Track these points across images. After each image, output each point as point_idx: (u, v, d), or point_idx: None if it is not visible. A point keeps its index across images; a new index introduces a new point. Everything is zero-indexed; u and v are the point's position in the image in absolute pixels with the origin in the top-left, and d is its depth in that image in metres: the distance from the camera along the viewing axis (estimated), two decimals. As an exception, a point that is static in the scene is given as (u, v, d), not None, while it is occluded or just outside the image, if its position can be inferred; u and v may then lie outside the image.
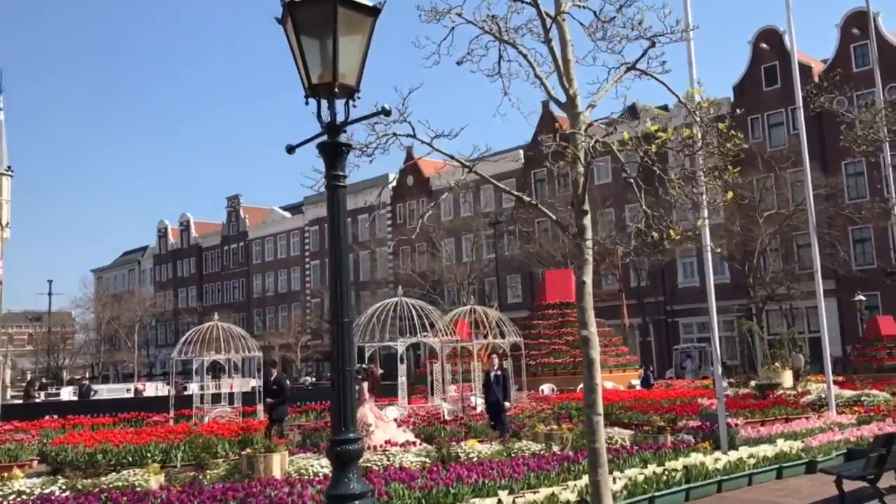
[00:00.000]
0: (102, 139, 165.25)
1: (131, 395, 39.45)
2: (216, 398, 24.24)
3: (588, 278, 8.40)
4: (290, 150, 5.46)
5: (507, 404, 16.34)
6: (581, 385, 30.71)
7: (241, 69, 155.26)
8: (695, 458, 10.82)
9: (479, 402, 21.30)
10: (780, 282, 40.90)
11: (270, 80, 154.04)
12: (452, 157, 8.06)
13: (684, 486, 10.42)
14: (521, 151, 60.19)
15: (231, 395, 23.47)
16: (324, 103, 5.25)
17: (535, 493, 8.94)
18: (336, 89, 5.09)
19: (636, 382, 30.90)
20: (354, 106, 5.31)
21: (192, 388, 23.57)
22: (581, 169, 8.31)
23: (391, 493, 9.26)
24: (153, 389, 41.41)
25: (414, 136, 7.88)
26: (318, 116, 5.23)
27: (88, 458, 15.48)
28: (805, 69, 41.99)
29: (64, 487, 10.77)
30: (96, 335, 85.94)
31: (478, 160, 8.08)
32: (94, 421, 22.86)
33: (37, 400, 42.12)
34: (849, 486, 9.87)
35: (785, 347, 25.30)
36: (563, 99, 8.53)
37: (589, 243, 8.45)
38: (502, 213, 49.95)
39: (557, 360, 31.55)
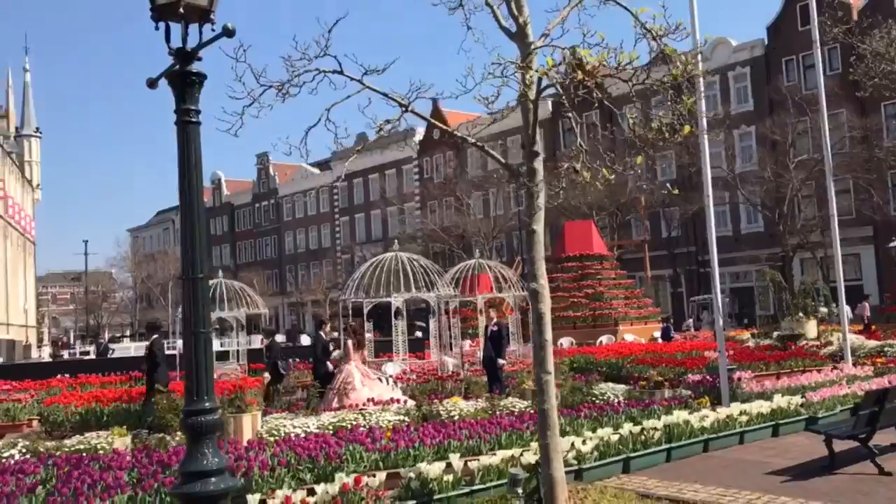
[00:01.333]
0: (132, 96, 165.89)
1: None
2: (224, 356, 24.07)
3: (539, 227, 7.69)
4: (151, 83, 4.83)
5: (500, 361, 15.74)
6: (600, 338, 30.00)
7: (269, 22, 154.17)
8: (677, 415, 10.14)
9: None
10: (811, 229, 39.48)
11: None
12: (386, 95, 7.37)
13: (665, 447, 9.78)
14: (549, 101, 58.80)
15: (237, 352, 23.26)
16: (177, 28, 4.60)
17: (492, 455, 8.35)
18: (182, 9, 4.43)
19: (658, 335, 30.13)
20: (213, 30, 4.65)
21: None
22: (530, 105, 7.50)
23: (345, 455, 8.77)
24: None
25: (341, 73, 7.23)
26: (167, 42, 4.58)
27: (80, 419, 15.35)
28: (844, 7, 40.04)
29: (24, 451, 10.50)
30: (132, 294, 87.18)
31: (415, 99, 7.35)
32: (103, 379, 22.83)
33: (65, 358, 43.01)
34: (843, 445, 9.17)
35: (810, 297, 24.25)
36: (513, 28, 7.74)
37: (541, 186, 7.69)
38: (523, 164, 48.82)
39: (576, 314, 30.89)
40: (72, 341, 65.40)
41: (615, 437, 9.39)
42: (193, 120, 4.55)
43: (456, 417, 11.71)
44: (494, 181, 55.08)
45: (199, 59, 4.60)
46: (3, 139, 56.31)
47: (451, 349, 21.44)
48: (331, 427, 11.41)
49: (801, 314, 24.26)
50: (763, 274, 29.56)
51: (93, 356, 36.70)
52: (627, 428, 9.62)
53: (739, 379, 13.82)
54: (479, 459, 8.20)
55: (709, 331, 33.24)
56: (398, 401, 13.25)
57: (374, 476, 7.50)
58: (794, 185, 38.67)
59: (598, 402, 12.78)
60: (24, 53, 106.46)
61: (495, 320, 16.25)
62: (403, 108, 7.33)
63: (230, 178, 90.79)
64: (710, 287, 47.19)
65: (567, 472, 8.72)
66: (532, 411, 11.99)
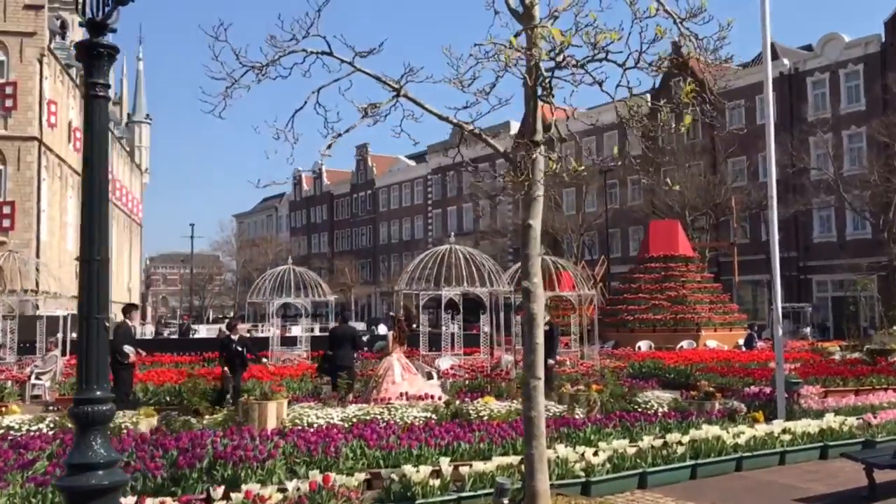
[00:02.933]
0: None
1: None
2: (292, 342, 24.33)
3: (535, 221, 7.21)
4: (78, 56, 4.65)
5: (550, 361, 15.19)
6: (681, 343, 28.94)
7: (377, 21, 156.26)
8: (706, 430, 9.44)
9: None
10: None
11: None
12: (378, 79, 7.04)
13: (689, 463, 9.11)
14: (648, 96, 57.20)
15: (302, 338, 23.46)
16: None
17: (486, 462, 7.93)
18: (92, -22, 4.22)
19: (742, 342, 28.76)
20: (132, 0, 4.42)
21: (272, 330, 23.62)
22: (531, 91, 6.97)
23: (343, 451, 8.51)
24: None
25: (331, 54, 6.94)
26: (82, 13, 4.38)
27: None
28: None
29: (52, 425, 10.73)
30: (235, 277, 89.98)
31: (406, 82, 6.97)
32: (175, 359, 23.43)
33: (164, 336, 44.77)
34: (887, 475, 8.32)
35: (906, 310, 22.63)
36: (520, 9, 7.24)
37: (539, 179, 7.17)
38: (613, 160, 47.52)
39: (657, 317, 29.84)
40: (178, 320, 67.97)
41: (632, 450, 8.80)
42: (101, 94, 4.34)
43: (485, 417, 11.33)
44: (585, 177, 53.83)
45: (113, 30, 4.38)
46: (113, 125, 58.88)
47: (504, 345, 20.98)
48: (354, 419, 11.22)
49: (894, 328, 22.64)
50: (856, 283, 27.76)
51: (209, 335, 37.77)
52: (648, 440, 9.00)
53: (798, 394, 12.86)
54: (471, 465, 7.77)
55: (788, 339, 31.66)
56: (432, 397, 12.92)
57: (351, 476, 7.20)
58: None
59: (640, 410, 12.16)
60: (137, 42, 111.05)
61: (547, 319, 15.67)
62: (395, 92, 6.98)
63: (331, 167, 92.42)
64: (810, 295, 44.89)
65: (572, 485, 8.27)
66: (566, 416, 11.49)
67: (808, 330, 37.20)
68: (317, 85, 6.95)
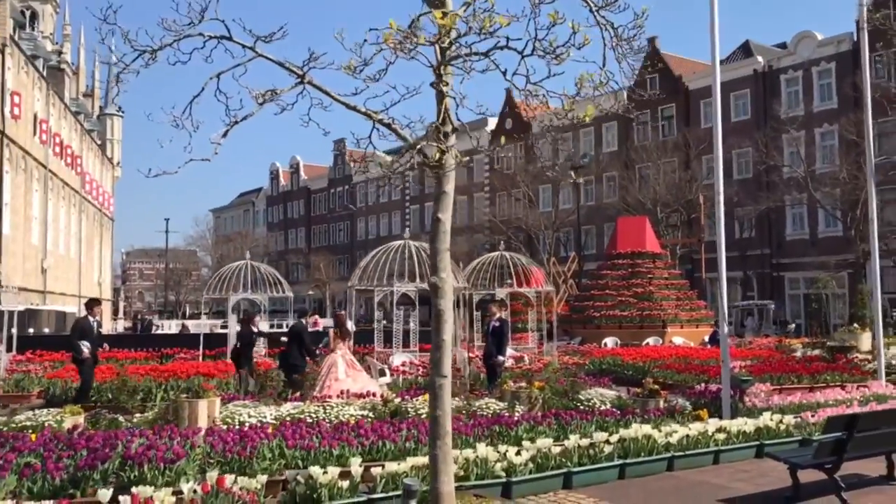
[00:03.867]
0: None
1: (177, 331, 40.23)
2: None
3: (443, 215, 6.93)
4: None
5: (500, 358, 14.99)
6: (647, 340, 28.86)
7: (364, 19, 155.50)
8: (635, 429, 9.25)
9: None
10: (887, 235, 37.05)
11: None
12: (281, 64, 6.77)
13: (617, 462, 8.93)
14: (624, 93, 57.09)
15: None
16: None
17: (399, 462, 7.70)
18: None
19: (708, 339, 28.69)
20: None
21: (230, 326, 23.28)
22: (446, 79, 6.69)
23: (258, 452, 8.25)
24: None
25: (230, 39, 6.67)
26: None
27: (78, 392, 15.38)
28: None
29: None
30: (210, 273, 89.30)
31: (309, 69, 6.70)
32: (129, 355, 23.04)
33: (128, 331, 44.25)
34: (811, 475, 8.17)
35: (867, 307, 22.55)
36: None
37: (450, 172, 6.92)
38: (585, 156, 47.50)
39: (623, 313, 29.72)
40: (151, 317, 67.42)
41: (558, 449, 8.60)
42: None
43: (423, 416, 11.10)
44: (558, 173, 53.88)
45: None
46: (84, 118, 58.17)
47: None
48: (288, 418, 10.96)
49: (855, 325, 22.63)
50: (818, 281, 27.78)
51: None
52: (574, 439, 8.81)
53: (744, 392, 12.74)
54: (384, 465, 7.54)
55: (752, 336, 31.75)
56: (373, 394, 12.68)
57: (253, 478, 6.94)
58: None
59: (582, 408, 11.99)
60: (110, 33, 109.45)
61: (497, 315, 15.48)
62: (299, 79, 6.72)
63: (308, 162, 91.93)
64: (783, 292, 44.95)
65: (492, 486, 8.06)
66: (506, 414, 11.28)
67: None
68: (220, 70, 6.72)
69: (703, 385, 13.99)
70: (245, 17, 6.73)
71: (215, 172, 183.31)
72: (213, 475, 6.72)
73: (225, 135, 6.50)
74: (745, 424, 10.33)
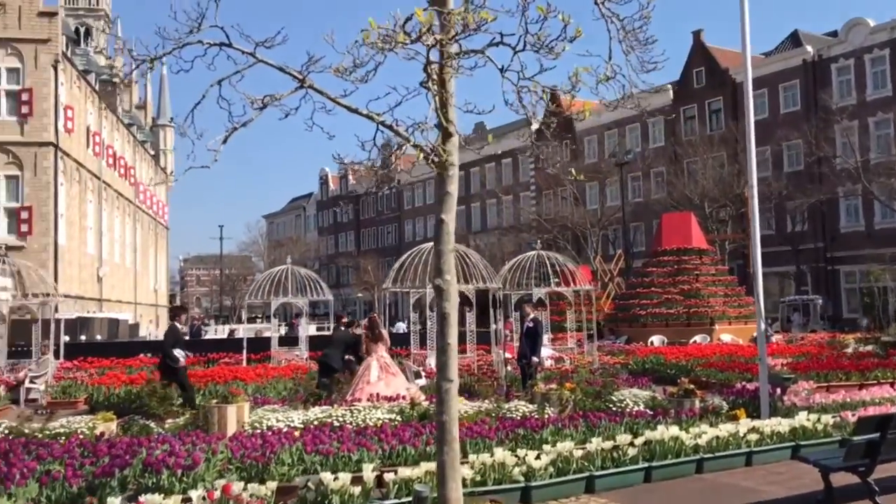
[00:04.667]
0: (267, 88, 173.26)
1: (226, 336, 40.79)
2: (293, 342, 24.21)
3: (447, 216, 6.81)
4: None
5: (534, 359, 14.83)
6: (694, 338, 28.30)
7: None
8: (661, 430, 9.02)
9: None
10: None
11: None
12: (281, 69, 6.73)
13: (642, 465, 8.71)
14: (670, 87, 56.30)
15: (307, 339, 23.29)
16: None
17: (414, 467, 7.61)
18: None
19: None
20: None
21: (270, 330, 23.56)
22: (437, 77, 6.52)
23: (279, 456, 8.25)
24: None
25: (230, 45, 6.67)
26: None
27: (119, 399, 15.68)
28: None
29: (6, 431, 10.63)
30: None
31: (308, 72, 6.65)
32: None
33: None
34: (844, 478, 7.86)
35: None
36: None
37: (453, 170, 6.80)
38: (629, 152, 46.83)
39: (670, 311, 29.23)
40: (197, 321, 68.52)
41: (579, 452, 8.43)
42: None
43: (452, 419, 11.01)
44: (604, 171, 53.36)
45: None
46: (137, 129, 59.48)
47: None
48: (316, 422, 10.99)
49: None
50: (870, 274, 26.89)
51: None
52: (596, 442, 8.62)
53: (783, 390, 12.36)
54: (397, 471, 7.46)
55: (799, 332, 30.92)
56: (404, 398, 12.62)
57: (263, 484, 6.93)
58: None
59: (614, 409, 11.77)
60: (161, 46, 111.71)
61: (531, 316, 15.31)
62: (299, 83, 6.68)
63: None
64: (838, 286, 43.73)
65: (510, 491, 7.92)
66: (536, 416, 11.12)
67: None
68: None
69: (742, 384, 13.60)
70: (248, 22, 6.72)
71: (268, 179, 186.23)
72: (220, 482, 6.72)
73: (225, 141, 6.49)
74: (780, 424, 10.00)
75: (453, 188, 6.87)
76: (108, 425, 11.09)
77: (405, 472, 7.46)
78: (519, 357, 15.57)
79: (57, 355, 19.60)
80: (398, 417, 11.19)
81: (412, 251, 17.68)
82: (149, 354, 24.98)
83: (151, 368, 20.82)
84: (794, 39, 51.70)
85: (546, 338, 23.28)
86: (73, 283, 40.31)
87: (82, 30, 64.37)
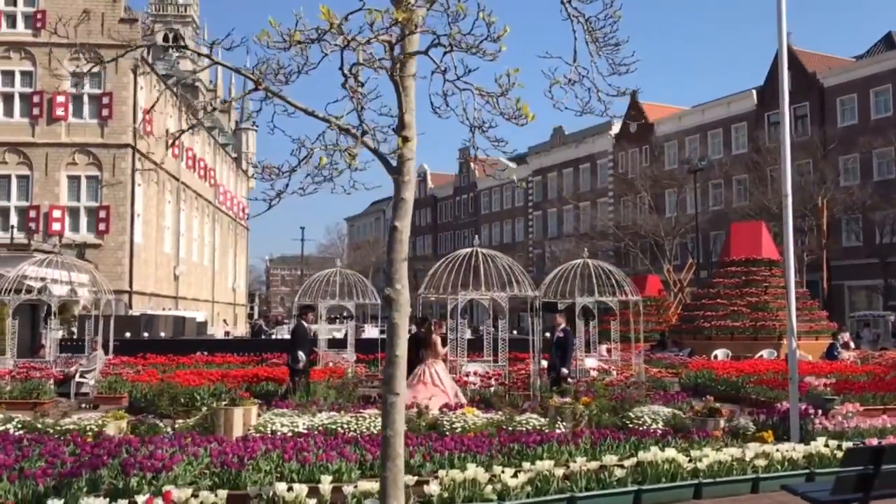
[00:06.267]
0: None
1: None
2: (342, 344, 24.26)
3: (401, 223, 6.51)
4: None
5: (563, 371, 14.39)
6: (760, 352, 27.10)
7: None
8: (654, 452, 8.53)
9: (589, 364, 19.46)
10: None
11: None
12: (237, 70, 6.66)
13: (632, 488, 8.25)
14: (754, 92, 54.50)
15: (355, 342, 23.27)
16: None
17: (375, 480, 7.38)
18: None
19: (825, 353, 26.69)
20: None
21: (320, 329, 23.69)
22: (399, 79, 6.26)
23: (254, 464, 8.16)
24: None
25: (185, 48, 6.64)
26: None
27: (155, 396, 15.99)
28: None
29: (19, 426, 10.88)
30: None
31: (264, 76, 6.51)
32: (228, 359, 23.85)
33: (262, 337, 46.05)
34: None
35: None
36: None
37: (409, 176, 6.53)
38: (703, 160, 45.38)
39: (735, 324, 28.06)
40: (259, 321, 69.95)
41: (560, 472, 8.04)
42: None
43: (458, 430, 10.77)
44: (680, 178, 51.93)
45: None
46: (218, 132, 61.10)
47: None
48: (321, 428, 10.91)
49: None
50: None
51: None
52: (580, 462, 8.22)
53: (814, 412, 11.62)
54: (357, 485, 7.25)
55: (869, 349, 29.30)
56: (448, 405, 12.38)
57: (214, 492, 6.83)
58: None
59: (631, 426, 11.28)
60: (244, 51, 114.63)
61: (562, 325, 14.88)
62: (254, 85, 6.55)
63: (435, 171, 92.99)
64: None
65: (477, 510, 7.61)
66: (544, 431, 10.76)
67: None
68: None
69: (782, 403, 12.86)
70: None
71: (348, 182, 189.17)
72: (170, 488, 6.66)
73: (171, 144, 6.43)
74: (793, 450, 9.36)
75: (409, 195, 6.61)
76: (119, 423, 11.24)
77: (365, 485, 7.23)
78: (549, 368, 15.15)
79: (106, 350, 20.13)
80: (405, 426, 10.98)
81: (448, 257, 17.43)
82: (205, 353, 25.49)
83: (199, 367, 21.31)
84: (889, 42, 49.32)
85: (603, 347, 22.73)
86: (150, 281, 41.61)
87: (170, 35, 66.55)
